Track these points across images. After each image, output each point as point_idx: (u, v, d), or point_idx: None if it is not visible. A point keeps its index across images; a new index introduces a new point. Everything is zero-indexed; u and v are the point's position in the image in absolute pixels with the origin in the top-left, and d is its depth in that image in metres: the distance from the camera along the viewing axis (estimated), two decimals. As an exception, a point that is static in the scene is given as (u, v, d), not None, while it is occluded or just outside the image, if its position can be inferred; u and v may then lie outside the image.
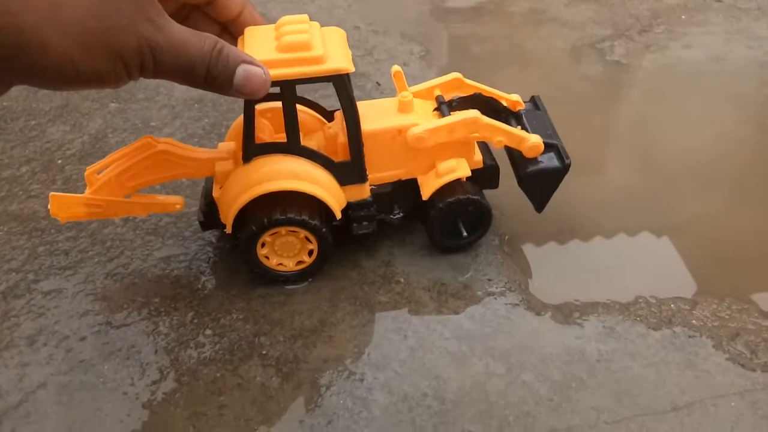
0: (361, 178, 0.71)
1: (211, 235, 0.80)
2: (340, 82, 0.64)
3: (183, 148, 0.70)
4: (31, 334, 0.69)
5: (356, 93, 1.10)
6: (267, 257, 0.72)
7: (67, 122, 1.02)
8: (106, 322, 0.70)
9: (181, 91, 1.09)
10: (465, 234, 0.76)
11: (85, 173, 0.67)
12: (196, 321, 0.70)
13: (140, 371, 0.66)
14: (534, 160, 0.74)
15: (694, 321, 0.71)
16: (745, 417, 0.61)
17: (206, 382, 0.64)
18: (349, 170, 0.70)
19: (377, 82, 1.14)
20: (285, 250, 0.72)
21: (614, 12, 1.37)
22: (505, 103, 0.79)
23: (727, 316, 0.72)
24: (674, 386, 0.64)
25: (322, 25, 0.66)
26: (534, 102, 0.82)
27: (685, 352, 0.68)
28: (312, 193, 0.68)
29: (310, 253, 0.73)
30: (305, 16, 0.64)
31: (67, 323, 0.70)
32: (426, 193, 0.73)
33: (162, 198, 0.73)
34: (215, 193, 0.71)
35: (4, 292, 0.74)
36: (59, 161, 0.94)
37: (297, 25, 0.63)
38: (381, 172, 0.73)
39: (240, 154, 0.69)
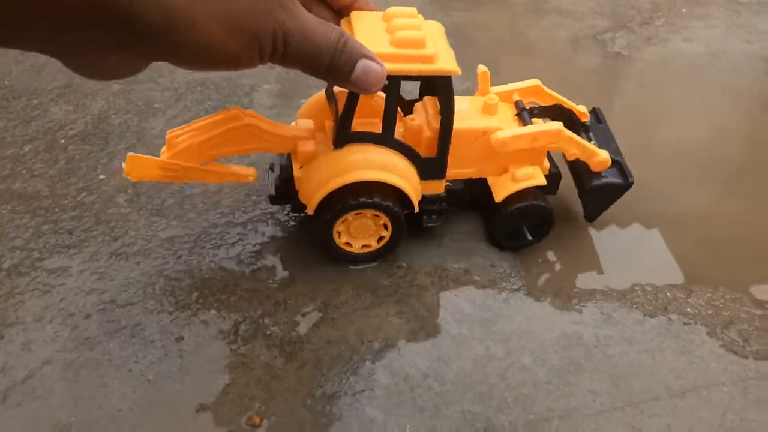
0: (441, 174, 0.73)
1: (215, 217, 0.81)
2: (447, 83, 0.65)
3: (268, 123, 0.70)
4: (36, 312, 0.70)
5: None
6: (339, 233, 0.74)
7: (70, 102, 1.02)
8: (111, 300, 0.71)
9: (184, 74, 1.09)
10: (530, 238, 0.78)
11: (167, 136, 0.67)
12: (200, 301, 0.71)
13: (145, 349, 0.66)
14: (599, 174, 0.78)
15: (689, 309, 0.73)
16: (737, 402, 0.63)
17: (211, 361, 0.65)
18: (433, 166, 0.72)
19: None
20: (359, 233, 0.74)
21: (615, 3, 1.38)
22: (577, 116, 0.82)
23: (721, 305, 0.74)
24: (669, 372, 0.66)
25: None
26: (596, 114, 0.85)
27: (680, 339, 0.69)
28: (397, 185, 0.70)
29: (379, 239, 0.75)
30: (414, 10, 0.65)
31: (73, 301, 0.71)
32: (501, 195, 0.75)
33: (236, 168, 0.72)
34: (297, 173, 0.71)
35: (8, 269, 0.74)
36: (62, 141, 0.94)
37: (409, 20, 0.63)
38: (456, 168, 0.74)
39: (319, 134, 0.71)
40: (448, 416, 0.61)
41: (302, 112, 0.76)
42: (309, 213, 0.71)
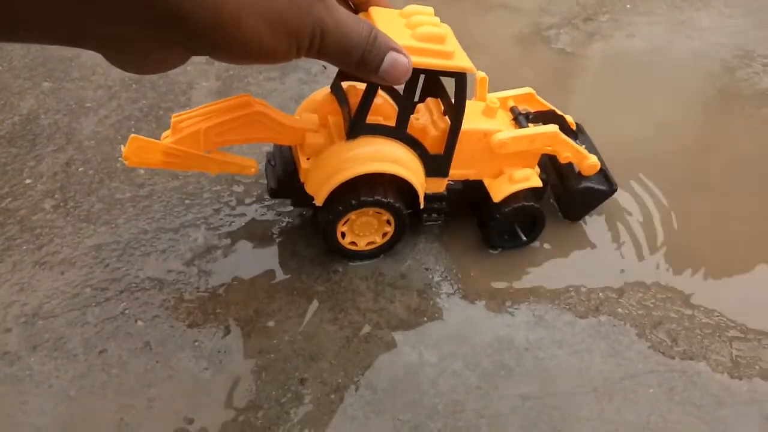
0: (445, 172, 0.74)
1: (145, 223, 0.79)
2: (462, 80, 0.66)
3: (277, 112, 0.69)
4: (-48, 326, 0.67)
5: (301, 76, 1.09)
6: (343, 234, 0.74)
7: (-4, 101, 0.98)
8: (33, 313, 0.68)
9: (118, 71, 1.05)
10: (524, 238, 0.80)
11: (172, 119, 0.65)
12: (127, 312, 0.69)
13: (67, 363, 0.64)
14: (585, 178, 0.82)
15: (620, 309, 0.74)
16: (662, 403, 0.65)
17: (136, 374, 0.63)
18: (438, 164, 0.73)
19: (323, 66, 1.13)
20: (362, 230, 0.75)
21: (561, -1, 1.38)
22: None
23: (651, 305, 0.75)
24: (597, 374, 0.67)
25: None
26: (578, 126, 0.89)
27: (609, 340, 0.70)
28: (410, 181, 0.70)
29: (383, 234, 0.76)
30: (431, 9, 0.66)
31: (-8, 314, 0.68)
32: (499, 195, 0.76)
33: (239, 159, 0.70)
34: (304, 164, 0.70)
35: (-76, 281, 0.71)
36: (-14, 143, 0.90)
37: (428, 17, 0.65)
38: (456, 169, 0.75)
39: (326, 128, 0.71)
40: (378, 425, 0.61)
41: (303, 108, 0.75)
42: (318, 204, 0.70)
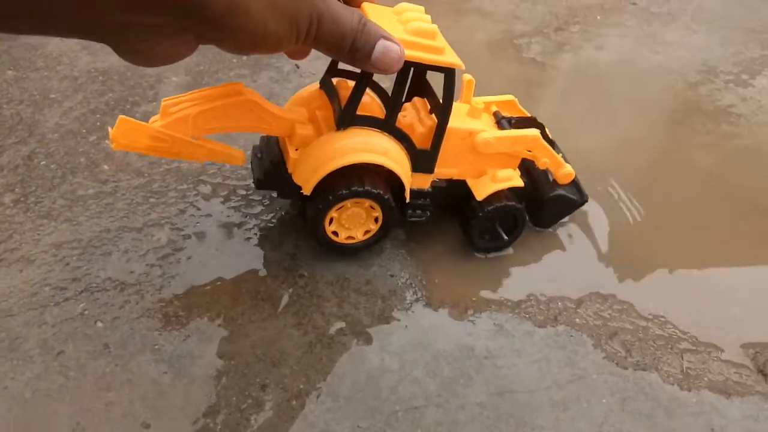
0: (431, 168, 0.75)
1: (108, 221, 0.78)
2: (451, 76, 0.67)
3: (267, 103, 0.69)
4: None
5: (273, 75, 1.09)
6: (336, 233, 0.75)
7: (-45, 89, 0.95)
8: (-11, 311, 0.67)
9: (85, 62, 1.04)
10: (506, 238, 0.82)
11: (162, 103, 0.64)
12: (86, 313, 0.68)
13: (23, 365, 0.63)
14: (558, 186, 0.84)
15: (577, 320, 0.76)
16: (615, 413, 0.67)
17: (94, 377, 0.63)
18: (425, 159, 0.74)
19: (296, 65, 1.13)
20: (349, 223, 0.75)
21: (534, 7, 1.40)
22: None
23: (608, 316, 0.77)
24: (553, 383, 0.68)
25: None
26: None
27: (566, 350, 0.72)
28: (397, 173, 0.71)
29: (366, 232, 0.76)
30: (422, 8, 0.67)
31: (-55, 312, 0.66)
32: (482, 194, 0.77)
33: (227, 147, 0.69)
34: (293, 155, 0.70)
35: None
36: (-57, 132, 0.88)
37: (419, 14, 0.66)
38: (441, 167, 0.76)
39: (315, 121, 0.71)
40: (337, 432, 0.61)
41: (292, 103, 0.76)
42: (306, 193, 0.70)
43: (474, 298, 0.77)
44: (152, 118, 0.65)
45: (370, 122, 0.70)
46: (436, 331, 0.72)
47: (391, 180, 0.72)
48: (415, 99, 0.78)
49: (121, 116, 0.61)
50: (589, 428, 0.65)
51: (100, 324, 0.67)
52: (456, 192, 0.79)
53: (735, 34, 1.45)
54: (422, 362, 0.69)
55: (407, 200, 0.75)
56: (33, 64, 1.02)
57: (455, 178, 0.78)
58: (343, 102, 0.68)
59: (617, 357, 0.72)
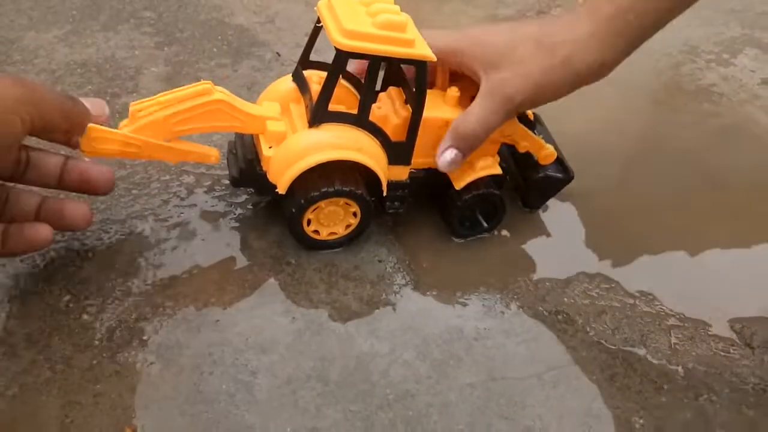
0: (408, 160, 0.74)
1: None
2: (423, 68, 0.67)
3: (238, 101, 0.68)
4: None
5: (254, 63, 1.08)
6: (317, 232, 0.75)
7: (-71, 84, 0.93)
8: (-29, 307, 0.66)
9: (62, 54, 1.02)
10: (485, 225, 0.82)
11: (130, 108, 0.64)
12: (71, 305, 0.67)
13: (11, 360, 0.62)
14: (543, 167, 0.84)
15: (565, 299, 0.76)
16: (604, 389, 0.67)
17: (81, 370, 0.62)
18: (401, 151, 0.73)
19: (277, 53, 1.12)
20: (328, 220, 0.75)
21: (515, -9, 1.40)
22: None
23: (596, 295, 0.78)
24: (542, 362, 0.69)
25: None
26: (535, 117, 0.90)
27: (555, 329, 0.72)
28: (373, 168, 0.70)
29: (347, 226, 0.76)
30: None
31: (-74, 309, 0.65)
32: (460, 183, 0.77)
33: (200, 147, 0.69)
34: (266, 152, 0.70)
35: None
36: None
37: (388, 5, 0.66)
38: (418, 158, 0.76)
39: (288, 116, 0.71)
40: (329, 416, 0.61)
41: (264, 96, 0.75)
42: (280, 192, 0.70)
43: (462, 281, 0.77)
44: (121, 123, 0.65)
45: (343, 118, 0.69)
46: (425, 315, 0.72)
47: (368, 172, 0.72)
48: (391, 89, 0.77)
49: (90, 125, 0.62)
50: (580, 405, 0.65)
51: (86, 317, 0.66)
52: (434, 182, 0.79)
53: (716, 15, 1.46)
54: (412, 345, 0.69)
55: (384, 194, 0.75)
56: (9, 58, 1.00)
57: (434, 167, 0.78)
58: (315, 96, 0.68)
59: (605, 334, 0.73)
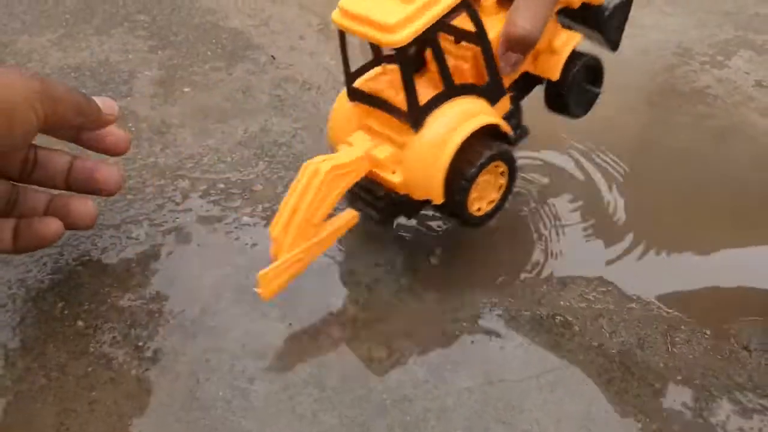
0: (502, 91, 0.72)
1: (85, 219, 0.76)
2: (470, 7, 0.64)
3: (338, 156, 0.67)
4: None
5: (249, 66, 1.08)
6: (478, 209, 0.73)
7: None
8: (-35, 314, 0.66)
9: (56, 58, 1.02)
10: (598, 90, 0.79)
11: (271, 234, 0.65)
12: (66, 312, 0.67)
13: (5, 367, 0.62)
14: (605, 3, 0.77)
15: (561, 302, 0.76)
16: (602, 393, 0.67)
17: (76, 377, 0.62)
18: (492, 90, 0.71)
19: (272, 56, 1.11)
20: (485, 192, 0.72)
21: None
22: None
23: (592, 298, 0.78)
24: (539, 366, 0.68)
25: None
26: None
27: (551, 333, 0.72)
28: (496, 123, 0.69)
29: (499, 188, 0.74)
30: None
31: None
32: (555, 72, 0.74)
33: (340, 218, 0.70)
34: (394, 179, 0.67)
35: None
36: None
37: None
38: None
39: (376, 135, 0.69)
40: (325, 422, 0.61)
41: (335, 129, 0.73)
42: (439, 201, 0.68)
43: (458, 284, 0.77)
44: (271, 252, 0.65)
45: (436, 102, 0.66)
46: (422, 318, 0.72)
47: (484, 130, 0.69)
48: (384, 66, 0.72)
49: (259, 273, 0.63)
50: (578, 409, 0.65)
51: (80, 323, 0.66)
52: (530, 85, 0.77)
53: (709, 17, 1.47)
54: (409, 350, 0.68)
55: (509, 132, 0.72)
56: (2, 62, 1.00)
57: (515, 78, 0.75)
58: (393, 101, 0.66)
59: (603, 338, 0.73)
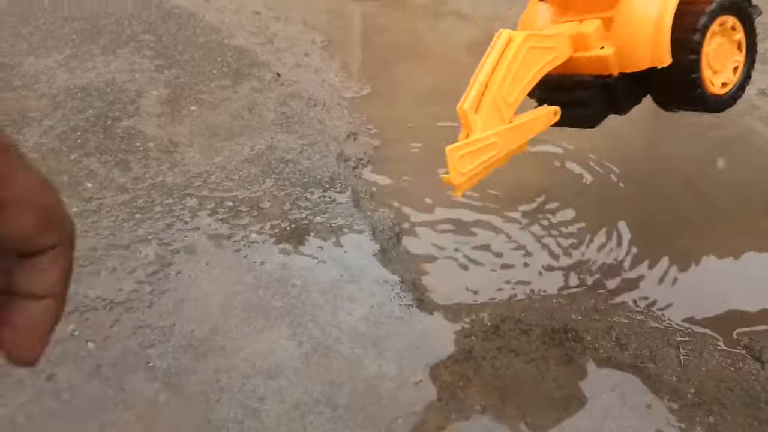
0: None
1: (94, 239, 0.76)
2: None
3: (539, 29, 0.63)
4: None
5: (254, 84, 1.08)
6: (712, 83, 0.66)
7: (-70, 112, 0.93)
8: (-25, 337, 0.65)
9: (62, 78, 1.02)
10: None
11: (459, 111, 0.58)
12: (77, 334, 0.67)
13: (14, 390, 0.62)
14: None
15: (573, 315, 0.76)
16: (615, 408, 0.66)
17: (87, 399, 0.61)
18: None
19: (277, 74, 1.12)
20: (718, 62, 0.66)
21: (512, 7, 1.41)
22: None
23: (603, 310, 0.77)
24: (552, 381, 0.68)
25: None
26: None
27: (563, 347, 0.72)
28: None
29: (734, 69, 0.69)
30: None
31: (-71, 340, 0.65)
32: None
33: (537, 111, 0.64)
34: (605, 52, 0.63)
35: None
36: None
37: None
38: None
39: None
40: (338, 442, 0.61)
41: (526, 23, 0.70)
42: (667, 62, 0.62)
43: (468, 299, 0.76)
44: (459, 136, 0.60)
45: None
46: (433, 335, 0.72)
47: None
48: None
49: (448, 147, 0.57)
50: (591, 425, 0.65)
51: (91, 344, 0.66)
52: None
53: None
54: (420, 367, 0.68)
55: None
56: (9, 84, 1.00)
57: None
58: None
59: (614, 351, 0.72)
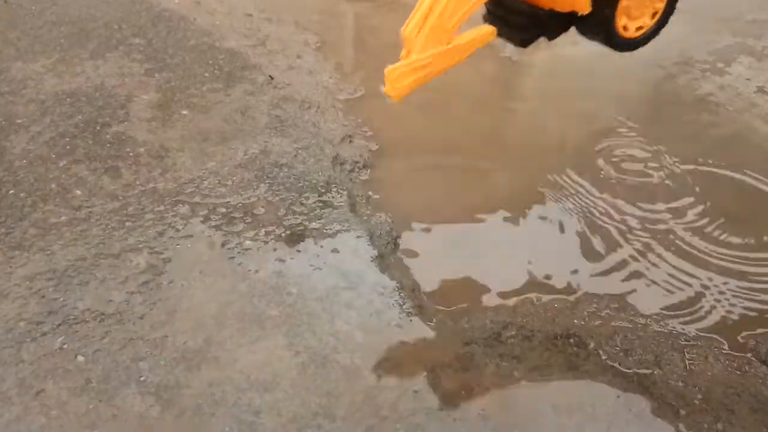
0: None
1: (83, 248, 0.74)
2: None
3: None
4: None
5: (247, 87, 1.06)
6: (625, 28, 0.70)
7: None
8: (-39, 352, 0.63)
9: (51, 84, 1.00)
10: None
11: (402, 34, 0.63)
12: (66, 347, 0.65)
13: (2, 406, 0.60)
14: None
15: (575, 320, 0.74)
16: (620, 415, 0.65)
17: (78, 415, 0.59)
18: None
19: (270, 76, 1.10)
20: (638, 11, 0.71)
21: (507, 6, 1.39)
22: None
23: (606, 315, 0.76)
24: (555, 388, 0.66)
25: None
26: None
27: (566, 353, 0.70)
28: None
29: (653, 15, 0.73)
30: None
31: None
32: None
33: (474, 31, 0.67)
34: None
35: None
36: None
37: None
38: None
39: None
40: (337, 455, 0.59)
41: None
42: (585, 10, 0.67)
43: (468, 306, 0.75)
44: (401, 54, 0.64)
45: None
46: (432, 341, 0.70)
47: None
48: None
49: (387, 68, 0.62)
50: (596, 433, 0.63)
51: (80, 358, 0.64)
52: None
53: (707, 24, 1.46)
54: (420, 375, 0.66)
55: None
56: (-4, 89, 0.98)
57: None
58: None
59: (618, 357, 0.71)
